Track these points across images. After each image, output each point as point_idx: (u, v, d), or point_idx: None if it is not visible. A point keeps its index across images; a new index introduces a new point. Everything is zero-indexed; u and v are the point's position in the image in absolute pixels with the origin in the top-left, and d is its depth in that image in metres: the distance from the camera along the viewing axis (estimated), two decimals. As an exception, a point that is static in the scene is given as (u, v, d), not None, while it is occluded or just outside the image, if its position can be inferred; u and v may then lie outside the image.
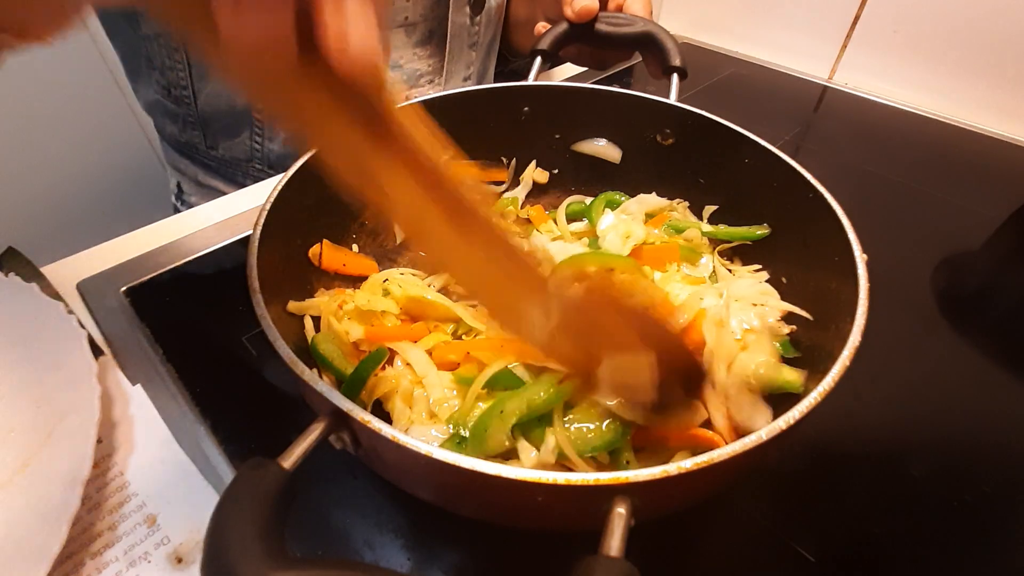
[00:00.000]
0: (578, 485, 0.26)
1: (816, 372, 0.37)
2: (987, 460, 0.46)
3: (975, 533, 0.42)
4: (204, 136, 0.84)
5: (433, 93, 0.57)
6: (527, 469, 0.27)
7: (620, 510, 0.26)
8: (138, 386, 0.47)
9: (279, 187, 0.44)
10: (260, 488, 0.26)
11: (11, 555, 0.35)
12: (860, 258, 0.38)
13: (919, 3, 0.91)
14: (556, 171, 0.64)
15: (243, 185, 0.87)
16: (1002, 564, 0.41)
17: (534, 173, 0.64)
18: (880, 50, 0.98)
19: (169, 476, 0.42)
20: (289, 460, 0.28)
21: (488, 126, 0.60)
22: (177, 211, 0.96)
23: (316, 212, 0.50)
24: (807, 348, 0.43)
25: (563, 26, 0.66)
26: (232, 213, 0.67)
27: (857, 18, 0.98)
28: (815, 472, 0.45)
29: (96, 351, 0.46)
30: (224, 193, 0.87)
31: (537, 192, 0.65)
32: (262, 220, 0.41)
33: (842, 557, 0.41)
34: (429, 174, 0.30)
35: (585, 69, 1.01)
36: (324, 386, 0.30)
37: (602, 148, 0.61)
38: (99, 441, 0.42)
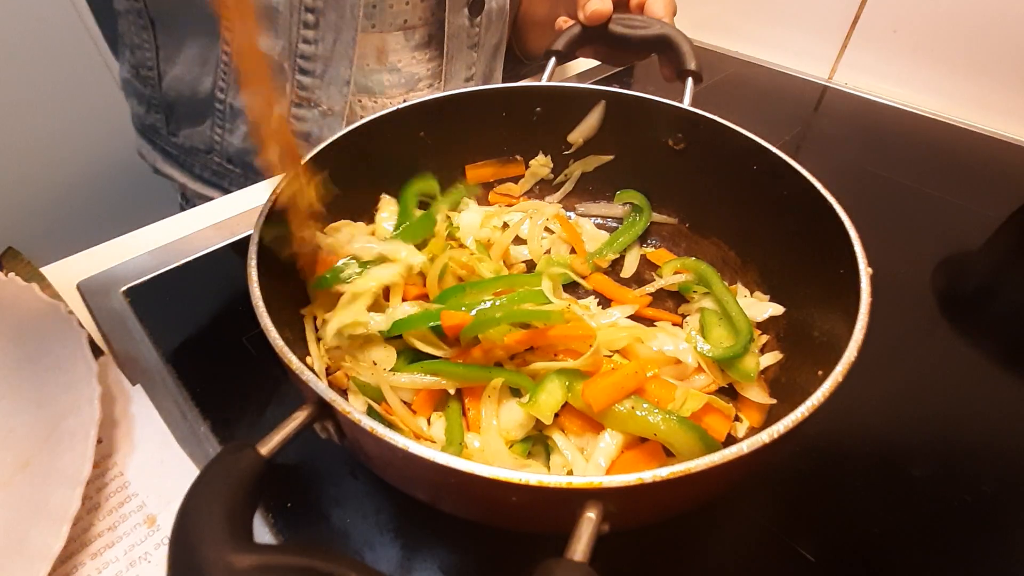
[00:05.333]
0: (549, 487, 0.26)
1: (813, 383, 0.37)
2: (987, 460, 0.46)
3: (975, 533, 0.42)
4: (167, 120, 0.83)
5: (443, 93, 0.57)
6: (501, 468, 0.26)
7: (590, 515, 0.26)
8: (138, 386, 0.48)
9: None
10: (234, 472, 0.27)
11: (11, 555, 0.35)
12: (864, 272, 0.37)
13: (919, 3, 0.91)
14: (565, 172, 0.64)
15: (200, 177, 0.84)
16: (1002, 564, 0.41)
17: (538, 166, 0.64)
18: (880, 50, 0.98)
19: (169, 476, 0.42)
20: (267, 446, 0.28)
21: (499, 126, 0.60)
22: (183, 209, 0.96)
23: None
24: (807, 354, 0.43)
25: (577, 28, 0.66)
26: (232, 213, 0.67)
27: (857, 18, 0.98)
28: (815, 472, 0.45)
29: (96, 351, 0.46)
30: (178, 183, 0.86)
31: (545, 192, 0.65)
32: (265, 212, 0.42)
33: (842, 557, 0.41)
34: None
35: (598, 63, 1.01)
36: (309, 374, 0.30)
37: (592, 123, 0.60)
38: (99, 441, 0.42)
